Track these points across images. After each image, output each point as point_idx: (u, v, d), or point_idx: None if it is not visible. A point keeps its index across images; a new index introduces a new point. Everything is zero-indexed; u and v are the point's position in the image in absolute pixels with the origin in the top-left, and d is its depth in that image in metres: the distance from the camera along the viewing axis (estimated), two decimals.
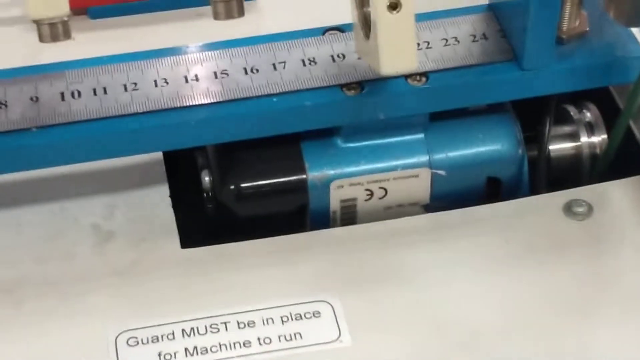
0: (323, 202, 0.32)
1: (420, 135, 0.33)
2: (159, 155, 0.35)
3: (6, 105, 0.31)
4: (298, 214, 0.33)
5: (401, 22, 0.28)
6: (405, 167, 0.33)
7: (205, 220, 0.35)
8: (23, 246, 0.32)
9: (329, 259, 0.32)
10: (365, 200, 0.32)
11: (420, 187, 0.32)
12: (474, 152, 0.33)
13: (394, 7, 0.27)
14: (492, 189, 0.34)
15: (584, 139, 0.35)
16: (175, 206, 0.34)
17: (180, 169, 0.37)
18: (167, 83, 0.31)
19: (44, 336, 0.29)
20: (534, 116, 0.36)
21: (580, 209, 0.32)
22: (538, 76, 0.33)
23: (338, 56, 0.33)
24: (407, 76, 0.32)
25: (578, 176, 0.36)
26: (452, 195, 0.34)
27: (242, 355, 0.28)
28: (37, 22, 0.28)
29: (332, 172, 0.32)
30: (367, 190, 0.32)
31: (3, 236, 0.33)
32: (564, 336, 0.29)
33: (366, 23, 0.29)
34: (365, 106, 0.32)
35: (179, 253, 0.31)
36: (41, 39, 0.29)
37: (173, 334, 0.29)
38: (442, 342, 0.29)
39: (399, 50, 0.28)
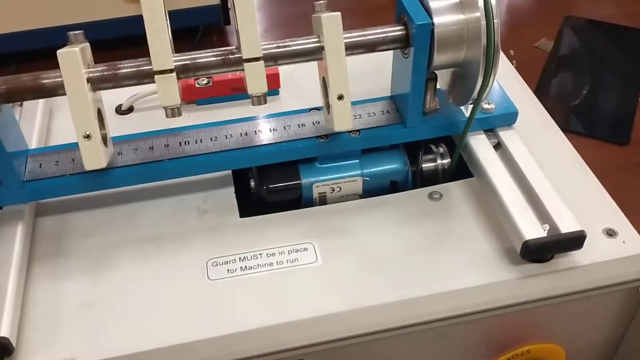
0: (309, 194, 0.49)
1: (357, 160, 0.49)
2: (229, 172, 0.50)
3: (152, 148, 0.47)
4: (296, 200, 0.49)
5: (344, 105, 0.43)
6: (349, 176, 0.49)
7: (251, 204, 0.49)
8: (161, 217, 0.47)
9: (312, 222, 0.47)
10: (330, 193, 0.49)
11: (357, 186, 0.49)
12: (383, 169, 0.49)
13: (340, 98, 0.43)
14: (393, 187, 0.50)
15: (439, 161, 0.51)
16: (237, 197, 0.49)
17: (240, 179, 0.50)
18: (231, 136, 0.48)
19: (169, 262, 0.44)
20: (414, 150, 0.51)
21: (436, 196, 0.48)
22: (414, 131, 0.48)
23: (316, 122, 0.48)
24: (349, 132, 0.47)
25: (436, 180, 0.51)
26: (372, 190, 0.49)
27: (269, 270, 0.44)
28: (164, 108, 0.42)
29: (313, 179, 0.49)
30: (331, 188, 0.49)
31: (151, 212, 0.48)
32: (429, 258, 0.44)
33: (327, 105, 0.45)
34: (329, 146, 0.47)
35: (239, 220, 0.47)
36: (167, 115, 0.42)
37: (235, 260, 0.44)
38: (366, 264, 0.44)
39: (343, 119, 0.44)
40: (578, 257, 0.44)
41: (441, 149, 0.51)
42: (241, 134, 0.48)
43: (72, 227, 0.47)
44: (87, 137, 0.42)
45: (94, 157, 0.42)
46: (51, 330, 0.41)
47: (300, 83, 0.57)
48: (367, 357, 0.44)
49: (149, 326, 0.41)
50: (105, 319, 0.41)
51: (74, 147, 0.46)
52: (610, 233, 0.46)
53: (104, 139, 0.44)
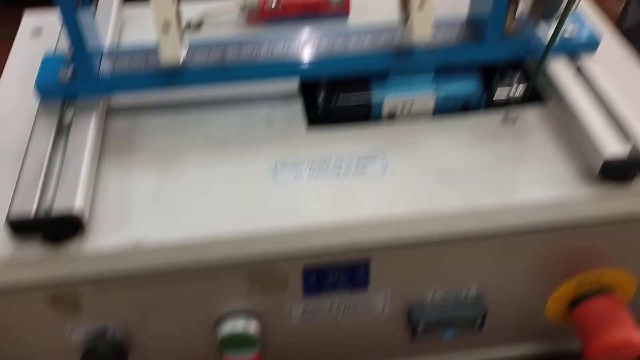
0: (379, 110, 0.48)
1: (430, 79, 0.48)
2: (297, 86, 0.50)
3: (224, 52, 0.47)
4: (365, 116, 0.49)
5: (425, 13, 0.43)
6: (422, 94, 0.48)
7: (319, 118, 0.49)
8: (229, 125, 0.48)
9: (381, 135, 0.47)
10: (400, 110, 0.49)
11: (428, 105, 0.48)
12: (456, 89, 0.49)
13: (421, 5, 0.43)
14: (465, 110, 0.49)
15: (514, 87, 0.49)
16: (305, 112, 0.49)
17: (308, 94, 0.50)
18: (303, 47, 0.48)
19: (238, 164, 0.45)
20: (488, 77, 0.50)
21: (510, 119, 0.47)
22: (492, 51, 0.48)
23: (390, 38, 0.48)
24: (424, 48, 0.47)
25: (509, 103, 0.50)
26: (443, 111, 0.49)
27: (336, 176, 0.43)
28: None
29: (385, 94, 0.48)
30: (402, 105, 0.48)
31: (219, 119, 0.48)
32: (500, 175, 0.43)
33: (405, 20, 0.45)
34: (403, 62, 0.47)
35: (307, 131, 0.47)
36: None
37: (302, 165, 0.45)
38: (436, 176, 0.44)
39: (423, 26, 0.44)
40: None
41: (517, 75, 0.50)
42: (313, 44, 0.48)
43: (142, 127, 0.48)
44: (166, 27, 0.43)
45: (172, 50, 0.43)
46: (121, 216, 0.42)
47: (369, 13, 0.57)
48: (432, 264, 0.44)
49: (216, 219, 0.41)
50: (173, 209, 0.42)
51: (148, 47, 0.47)
52: None
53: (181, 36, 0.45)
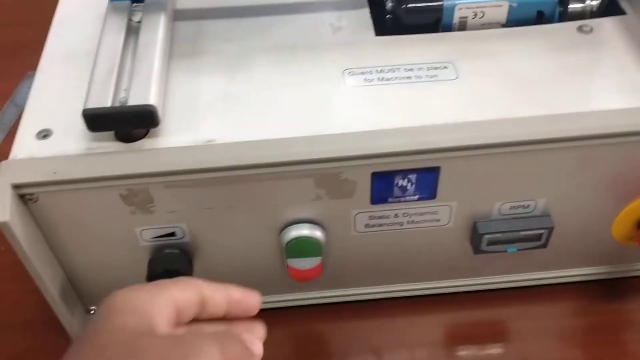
0: (449, 18, 0.47)
1: None
2: None
3: None
4: (435, 24, 0.47)
5: None
6: (495, 0, 0.46)
7: (387, 26, 0.48)
8: (296, 31, 0.47)
9: (452, 44, 0.46)
10: (472, 18, 0.47)
11: (501, 12, 0.47)
12: None
13: None
14: (540, 18, 0.48)
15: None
16: (373, 19, 0.48)
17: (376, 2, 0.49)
18: None
19: (306, 68, 0.44)
20: None
21: (586, 29, 0.46)
22: None
23: None
24: None
25: (586, 14, 0.48)
26: (517, 21, 0.47)
27: (407, 82, 0.43)
28: None
29: (456, 0, 0.47)
30: (474, 12, 0.47)
31: (286, 26, 0.48)
32: (575, 84, 0.42)
33: None
34: None
35: (375, 38, 0.47)
36: None
37: (372, 71, 0.44)
38: (508, 85, 0.42)
39: None
40: None
41: None
42: None
43: (209, 33, 0.48)
44: None
45: None
46: (191, 116, 0.42)
47: None
48: (502, 174, 0.43)
49: (286, 120, 0.41)
50: (243, 110, 0.42)
51: None
52: None
53: None
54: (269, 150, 0.40)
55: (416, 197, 0.43)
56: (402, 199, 0.43)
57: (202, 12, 0.49)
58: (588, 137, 0.41)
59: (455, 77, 0.44)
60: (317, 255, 0.45)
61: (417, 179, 0.42)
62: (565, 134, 0.40)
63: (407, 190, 0.43)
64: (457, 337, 0.50)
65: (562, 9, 0.48)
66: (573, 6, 0.49)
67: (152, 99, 0.39)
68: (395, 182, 0.42)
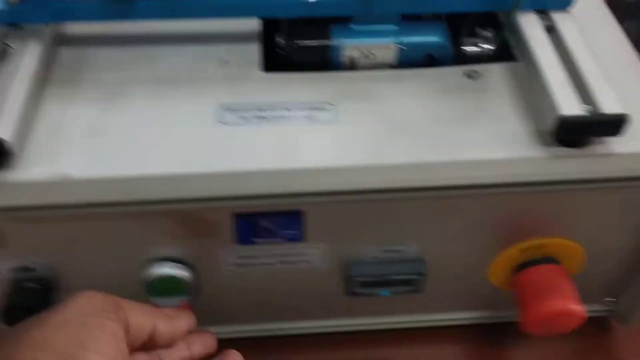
0: (339, 57, 0.46)
1: (394, 26, 0.46)
2: (256, 27, 0.48)
3: None
4: (325, 63, 0.46)
5: None
6: (384, 42, 0.46)
7: (277, 62, 0.47)
8: (181, 63, 0.46)
9: (338, 84, 0.45)
10: (362, 59, 0.46)
11: (390, 54, 0.46)
12: (420, 38, 0.46)
13: None
14: (430, 62, 0.47)
15: (484, 45, 0.48)
16: (264, 55, 0.47)
17: (268, 37, 0.48)
18: None
19: (184, 103, 0.43)
20: (455, 27, 0.48)
21: (474, 74, 0.45)
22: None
23: None
24: None
25: (479, 59, 0.48)
26: (407, 62, 0.47)
27: (283, 122, 0.42)
28: None
29: (345, 40, 0.46)
30: (363, 53, 0.46)
31: (172, 57, 0.46)
32: (453, 130, 0.42)
33: None
34: (366, 5, 0.45)
35: (261, 74, 0.45)
36: None
37: (250, 108, 0.43)
38: (386, 128, 0.42)
39: None
40: (614, 145, 0.41)
41: (487, 33, 0.48)
42: None
43: (91, 60, 0.47)
44: None
45: None
46: (54, 148, 0.41)
47: None
48: (371, 220, 0.42)
49: (152, 157, 0.40)
50: (108, 144, 0.41)
51: None
52: None
53: None
54: (124, 190, 0.39)
55: (283, 239, 0.42)
56: (268, 241, 0.42)
57: (89, 39, 0.48)
58: (457, 187, 0.40)
59: (332, 119, 0.43)
60: (182, 294, 0.44)
61: (281, 222, 0.41)
62: (433, 183, 0.40)
63: (273, 232, 0.42)
64: None
65: (456, 52, 0.48)
66: (470, 49, 0.49)
67: (6, 134, 0.38)
68: (259, 224, 0.41)
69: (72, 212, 0.39)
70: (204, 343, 0.41)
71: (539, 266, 0.45)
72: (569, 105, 0.40)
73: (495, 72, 0.46)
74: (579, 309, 0.43)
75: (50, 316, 0.33)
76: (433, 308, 0.50)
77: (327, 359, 0.50)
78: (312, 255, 0.44)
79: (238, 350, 0.49)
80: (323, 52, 0.47)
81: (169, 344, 0.38)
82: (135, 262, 0.43)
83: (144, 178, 0.39)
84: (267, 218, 0.41)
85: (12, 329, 0.33)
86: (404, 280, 0.45)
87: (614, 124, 0.39)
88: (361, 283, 0.45)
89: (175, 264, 0.43)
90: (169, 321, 0.38)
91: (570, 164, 0.40)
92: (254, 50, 0.47)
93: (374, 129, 0.42)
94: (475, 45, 0.48)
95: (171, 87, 0.45)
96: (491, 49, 0.48)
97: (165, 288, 0.43)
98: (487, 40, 0.48)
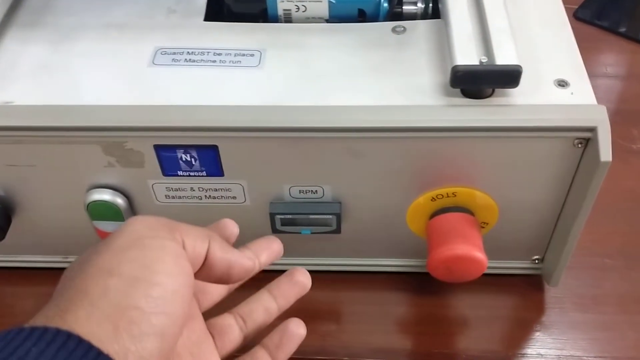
0: (274, 10, 0.50)
1: None
2: None
3: None
4: (262, 15, 0.50)
5: None
6: None
7: (217, 11, 0.51)
8: (133, 11, 0.50)
9: (268, 34, 0.48)
10: (295, 12, 0.49)
11: (322, 8, 0.49)
12: None
13: None
14: (361, 17, 0.50)
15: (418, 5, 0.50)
16: (211, 6, 0.51)
17: None
18: None
19: (125, 46, 0.47)
20: None
21: (399, 29, 0.48)
22: None
23: None
24: None
25: (403, 18, 0.50)
26: (339, 17, 0.50)
27: (210, 65, 0.45)
28: None
29: None
30: (296, 5, 0.49)
31: (126, 5, 0.50)
32: (366, 80, 0.44)
33: None
34: None
35: (201, 23, 0.49)
36: None
37: (182, 52, 0.46)
38: (304, 75, 0.45)
39: None
40: (516, 97, 0.43)
41: None
42: None
43: (53, 6, 0.51)
44: None
45: None
46: (5, 81, 0.45)
47: None
48: (283, 159, 0.45)
49: (86, 90, 0.45)
50: (52, 79, 0.45)
51: None
52: (562, 84, 0.43)
53: None
54: (56, 115, 0.43)
55: (204, 172, 0.46)
56: (191, 174, 0.46)
57: None
58: (354, 129, 0.42)
59: (256, 65, 0.46)
60: (119, 220, 0.48)
61: (198, 155, 0.45)
62: (330, 124, 0.42)
63: (194, 165, 0.45)
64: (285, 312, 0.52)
65: (389, 9, 0.50)
66: (407, 8, 0.51)
67: None
68: (179, 157, 0.45)
69: (15, 134, 0.44)
70: (271, 251, 0.39)
71: (447, 214, 0.47)
72: (465, 57, 0.42)
73: (421, 28, 0.48)
74: (480, 256, 0.45)
75: (109, 243, 0.32)
76: (360, 253, 0.53)
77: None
78: (235, 191, 0.48)
79: None
80: (260, 3, 0.50)
81: (226, 274, 0.35)
82: (79, 188, 0.48)
83: (75, 107, 0.43)
84: (185, 151, 0.44)
85: (73, 262, 0.33)
86: (322, 221, 0.48)
87: (507, 75, 0.41)
88: (282, 221, 0.48)
89: (111, 191, 0.47)
90: (224, 247, 0.35)
91: (465, 112, 0.42)
92: (201, 2, 0.51)
93: (292, 74, 0.45)
94: (412, 4, 0.50)
95: (118, 32, 0.49)
96: (422, 8, 0.50)
97: (101, 213, 0.48)
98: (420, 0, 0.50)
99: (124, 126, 0.43)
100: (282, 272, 0.53)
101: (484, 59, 0.41)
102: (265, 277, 0.41)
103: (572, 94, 0.43)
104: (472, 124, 0.42)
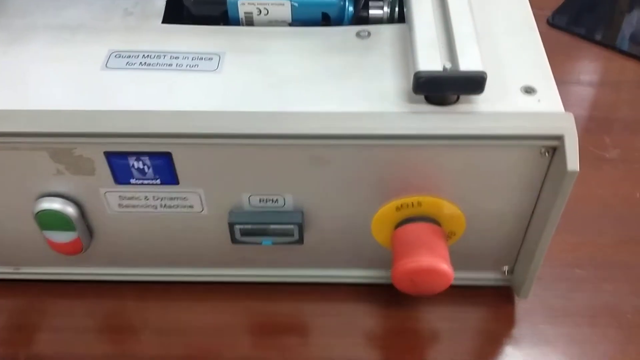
0: (235, 13, 0.48)
1: None
2: None
3: None
4: (223, 18, 0.48)
5: None
6: None
7: (176, 14, 0.49)
8: (88, 12, 0.48)
9: (229, 37, 0.46)
10: (257, 15, 0.48)
11: (284, 11, 0.47)
12: None
13: None
14: (325, 21, 0.48)
15: (384, 9, 0.49)
16: (170, 9, 0.49)
17: None
18: None
19: (78, 49, 0.45)
20: None
21: (364, 34, 0.46)
22: None
23: None
24: None
25: (369, 22, 0.49)
26: (303, 21, 0.48)
27: (166, 69, 0.43)
28: None
29: None
30: (257, 8, 0.47)
31: (81, 6, 0.49)
32: (328, 85, 0.42)
33: None
34: None
35: (159, 26, 0.48)
36: None
37: (137, 55, 0.45)
38: (265, 81, 0.43)
39: None
40: (481, 104, 0.41)
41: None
42: None
43: (7, 7, 0.49)
44: None
45: None
46: None
47: None
48: (242, 167, 0.43)
49: (35, 94, 0.43)
50: (1, 82, 0.43)
51: None
52: (529, 90, 0.42)
53: None
54: (3, 121, 0.41)
55: (158, 180, 0.44)
56: (144, 182, 0.44)
57: None
58: (313, 136, 0.41)
59: (215, 69, 0.44)
60: (70, 230, 0.46)
61: (151, 163, 0.43)
62: (290, 131, 0.41)
63: (147, 173, 0.43)
64: (246, 326, 0.51)
65: (354, 12, 0.48)
66: (373, 12, 0.49)
67: None
68: (131, 164, 0.43)
69: None
70: None
71: (412, 223, 0.45)
72: (428, 62, 0.40)
73: (386, 33, 0.47)
74: (445, 268, 0.43)
75: None
76: (322, 263, 0.51)
77: (225, 306, 0.52)
78: (192, 200, 0.46)
79: (131, 294, 0.51)
80: (220, 6, 0.48)
81: None
82: (27, 196, 0.45)
83: (20, 111, 0.41)
84: (137, 158, 0.42)
85: None
86: (283, 231, 0.46)
87: (471, 82, 0.40)
88: (242, 231, 0.46)
89: (61, 199, 0.45)
90: None
91: (428, 119, 0.40)
92: (159, 4, 0.49)
93: (251, 79, 0.43)
94: (378, 8, 0.49)
95: (71, 34, 0.47)
96: (388, 12, 0.49)
97: (51, 223, 0.46)
98: (385, 3, 0.49)
99: (72, 132, 0.41)
100: (252, 284, 0.53)
101: (448, 65, 0.40)
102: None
103: (539, 101, 0.41)
104: (434, 131, 0.40)
